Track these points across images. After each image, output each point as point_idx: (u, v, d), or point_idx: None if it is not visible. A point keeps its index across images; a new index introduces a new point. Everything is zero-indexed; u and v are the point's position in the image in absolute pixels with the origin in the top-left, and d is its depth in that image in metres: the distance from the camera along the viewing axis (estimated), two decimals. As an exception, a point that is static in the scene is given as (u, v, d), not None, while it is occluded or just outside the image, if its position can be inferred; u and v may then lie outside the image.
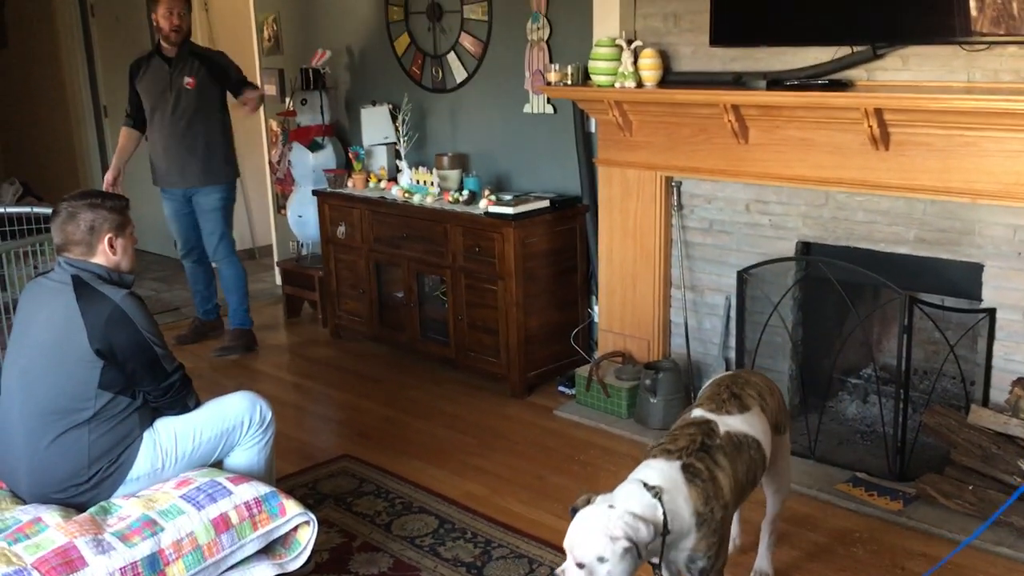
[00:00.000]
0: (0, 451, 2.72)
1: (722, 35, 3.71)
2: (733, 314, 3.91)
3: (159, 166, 4.97)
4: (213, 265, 5.24)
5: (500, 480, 3.63)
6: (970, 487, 3.15)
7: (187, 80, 4.81)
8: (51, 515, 2.48)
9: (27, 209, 4.34)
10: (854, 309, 3.68)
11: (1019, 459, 3.04)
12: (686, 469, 2.24)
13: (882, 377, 3.73)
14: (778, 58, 3.65)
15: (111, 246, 2.68)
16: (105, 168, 7.80)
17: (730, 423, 2.44)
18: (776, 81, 3.54)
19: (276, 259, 6.35)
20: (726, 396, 2.54)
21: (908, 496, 3.30)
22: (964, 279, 3.35)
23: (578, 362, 4.50)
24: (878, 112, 3.24)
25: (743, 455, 2.39)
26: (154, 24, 4.84)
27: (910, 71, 3.35)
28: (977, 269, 3.30)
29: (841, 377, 3.99)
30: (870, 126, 3.27)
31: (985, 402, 3.31)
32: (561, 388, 4.44)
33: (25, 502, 2.64)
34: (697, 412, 2.50)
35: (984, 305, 3.30)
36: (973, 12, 3.09)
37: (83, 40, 7.62)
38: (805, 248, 3.76)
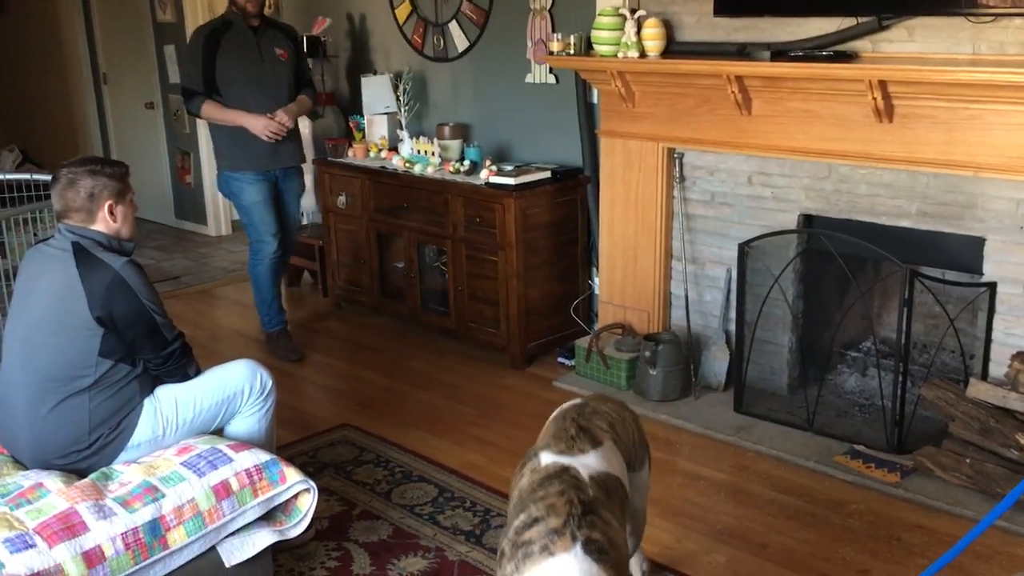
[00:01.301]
0: (1, 417, 2.73)
1: (726, 5, 3.67)
2: (734, 287, 3.90)
3: (251, 145, 4.40)
4: None
5: (499, 450, 3.64)
6: (968, 460, 3.16)
7: (279, 51, 4.45)
8: (53, 481, 2.49)
9: (26, 176, 4.31)
10: (855, 282, 3.68)
11: (1017, 432, 3.05)
12: (588, 549, 1.83)
13: (882, 350, 3.73)
14: (782, 28, 3.62)
15: (111, 213, 2.67)
16: (105, 137, 7.83)
17: (588, 463, 2.10)
18: (780, 52, 3.51)
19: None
20: (574, 432, 2.19)
21: (906, 469, 3.31)
22: (965, 253, 3.35)
23: (578, 333, 4.50)
24: (882, 84, 3.22)
25: (613, 498, 2.08)
26: None
27: (915, 43, 3.33)
28: (979, 243, 3.29)
29: (841, 350, 3.99)
30: (874, 98, 3.25)
31: (984, 376, 3.32)
32: (561, 359, 4.45)
33: (27, 468, 2.65)
34: (546, 457, 2.12)
35: (985, 279, 3.30)
36: (980, -17, 3.06)
37: (82, 6, 7.56)
38: (807, 221, 3.75)
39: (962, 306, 3.38)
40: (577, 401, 2.42)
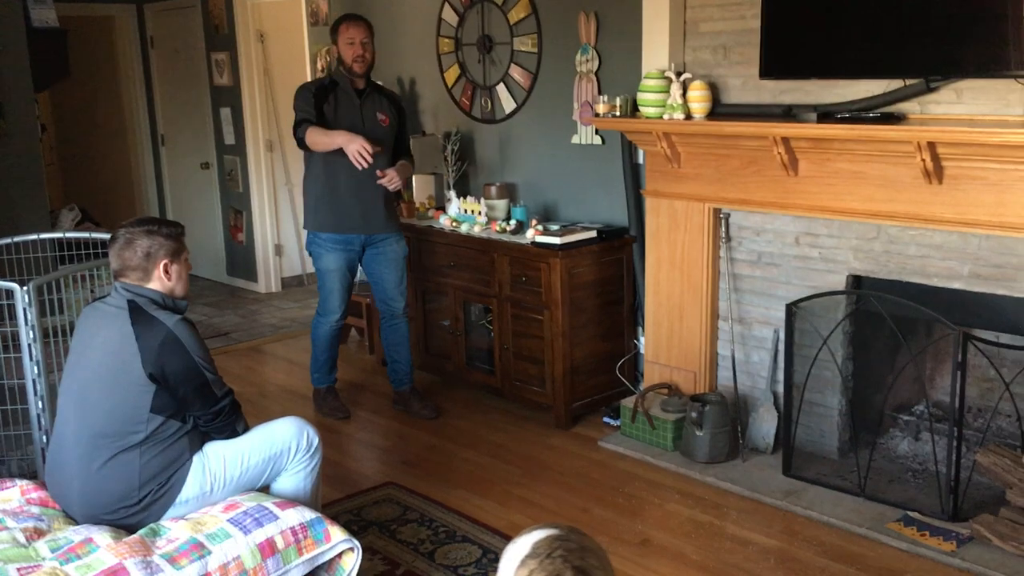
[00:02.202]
0: (54, 472, 2.77)
1: (772, 67, 3.70)
2: (781, 347, 3.86)
3: (338, 207, 4.31)
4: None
5: (544, 511, 3.61)
6: (1027, 529, 3.07)
7: (380, 116, 4.37)
8: (102, 536, 2.52)
9: (85, 235, 4.42)
10: (906, 344, 3.62)
11: (1078, 501, 2.96)
12: None
13: (935, 414, 3.65)
14: (829, 91, 3.63)
15: (166, 272, 2.74)
16: (161, 196, 8.03)
17: None
18: (827, 114, 3.52)
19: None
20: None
21: (962, 537, 3.22)
22: (1020, 315, 3.28)
23: (623, 393, 4.48)
24: (931, 146, 3.20)
25: None
26: (335, 55, 4.39)
27: (964, 104, 3.31)
28: (1034, 305, 3.23)
29: (893, 414, 3.92)
30: (923, 159, 3.23)
31: (1042, 442, 3.23)
32: (606, 419, 4.42)
33: (77, 522, 2.68)
34: None
35: (1041, 342, 3.23)
36: (1029, 45, 3.05)
37: (143, 71, 7.84)
38: (856, 282, 3.71)
39: (1018, 370, 3.30)
40: (553, 532, 1.87)
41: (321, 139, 4.21)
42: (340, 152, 4.19)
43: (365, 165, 4.13)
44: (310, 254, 4.56)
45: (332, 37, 4.38)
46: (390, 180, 4.28)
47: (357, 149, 4.09)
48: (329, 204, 4.33)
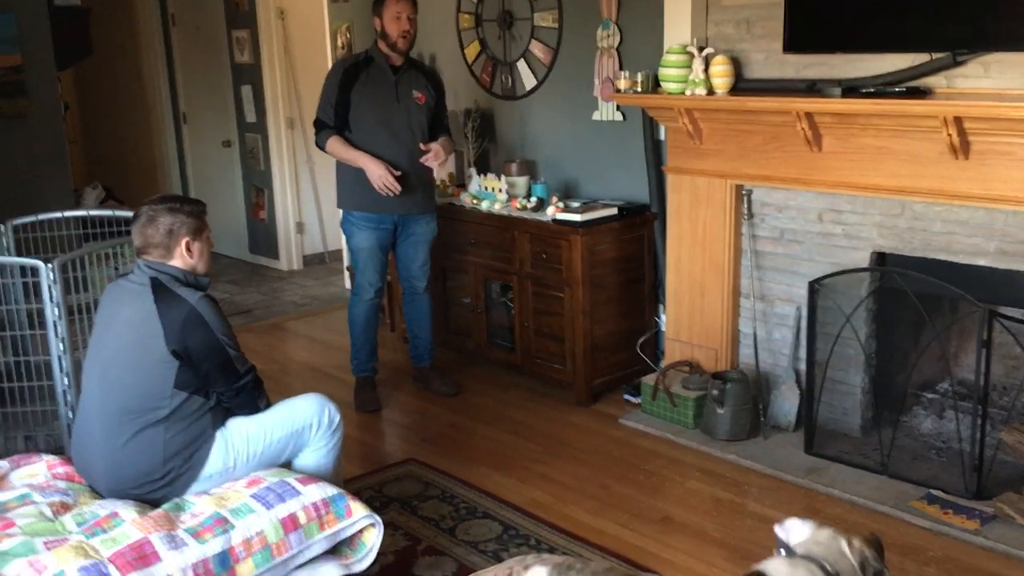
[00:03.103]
0: (79, 448, 2.81)
1: (796, 42, 3.65)
2: (804, 325, 3.84)
3: (369, 187, 4.20)
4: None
5: (565, 488, 3.62)
6: (1051, 508, 3.04)
7: (416, 94, 4.28)
8: (127, 510, 2.55)
9: (109, 212, 4.45)
10: (931, 322, 3.59)
11: (1104, 480, 2.93)
12: None
13: (959, 392, 3.63)
14: (853, 65, 3.59)
15: (188, 249, 2.75)
16: (183, 174, 8.07)
17: None
18: (851, 88, 3.47)
19: (346, 263, 6.44)
20: None
21: (986, 515, 3.20)
22: (1047, 293, 3.25)
23: (644, 371, 4.47)
24: (958, 120, 3.16)
25: None
26: (378, 29, 4.23)
27: (991, 79, 3.26)
28: (1061, 283, 3.19)
29: (916, 391, 3.89)
30: (949, 135, 3.19)
31: (1068, 420, 3.20)
32: (627, 397, 4.42)
33: (102, 497, 2.72)
34: None
35: (1068, 320, 3.19)
36: (1060, 17, 3.00)
37: (164, 49, 7.85)
38: (880, 259, 3.67)
39: (1044, 347, 3.27)
40: (558, 559, 1.96)
41: (343, 154, 4.22)
42: (369, 133, 4.18)
43: (392, 195, 4.14)
44: (343, 231, 4.52)
45: (376, 9, 4.23)
46: (436, 156, 4.22)
47: (379, 180, 4.11)
48: (364, 184, 4.21)
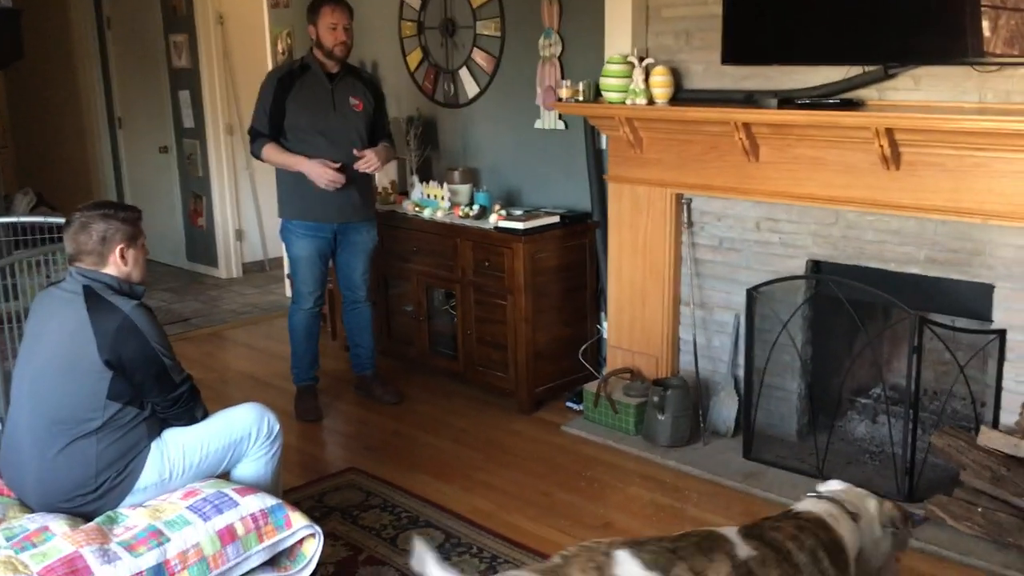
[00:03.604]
0: (8, 460, 2.73)
1: (733, 53, 3.71)
2: (742, 332, 3.90)
3: (311, 196, 4.18)
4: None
5: (507, 496, 3.62)
6: (979, 509, 3.12)
7: (353, 101, 4.24)
8: (58, 524, 2.49)
9: (40, 219, 4.34)
10: (864, 328, 3.67)
11: (1029, 482, 3.02)
12: None
13: (892, 397, 3.71)
14: (789, 76, 3.66)
15: (122, 256, 2.69)
16: (119, 180, 7.91)
17: None
18: (787, 100, 3.54)
19: (286, 271, 6.37)
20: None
21: (917, 517, 3.27)
22: (975, 300, 3.34)
23: (586, 378, 4.49)
24: (889, 132, 3.24)
25: None
26: (313, 37, 4.20)
27: (922, 91, 3.35)
28: (988, 290, 3.29)
29: (851, 397, 3.97)
30: (881, 145, 3.27)
31: (995, 424, 3.29)
32: (569, 404, 4.44)
33: (33, 511, 2.64)
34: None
35: (994, 326, 3.29)
36: (986, 33, 3.09)
37: (99, 52, 7.70)
38: (815, 267, 3.75)
39: (972, 353, 3.36)
40: (631, 540, 2.13)
41: (280, 159, 4.20)
42: (305, 141, 4.16)
43: (338, 187, 4.11)
44: (283, 240, 4.47)
45: (310, 18, 4.21)
46: (368, 162, 4.19)
47: (322, 178, 4.09)
48: (303, 191, 4.19)
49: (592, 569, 1.96)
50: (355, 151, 4.20)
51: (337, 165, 4.13)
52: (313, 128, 4.18)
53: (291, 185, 4.25)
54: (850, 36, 3.43)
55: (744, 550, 2.09)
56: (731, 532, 2.16)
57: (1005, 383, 3.28)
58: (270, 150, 4.19)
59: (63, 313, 2.64)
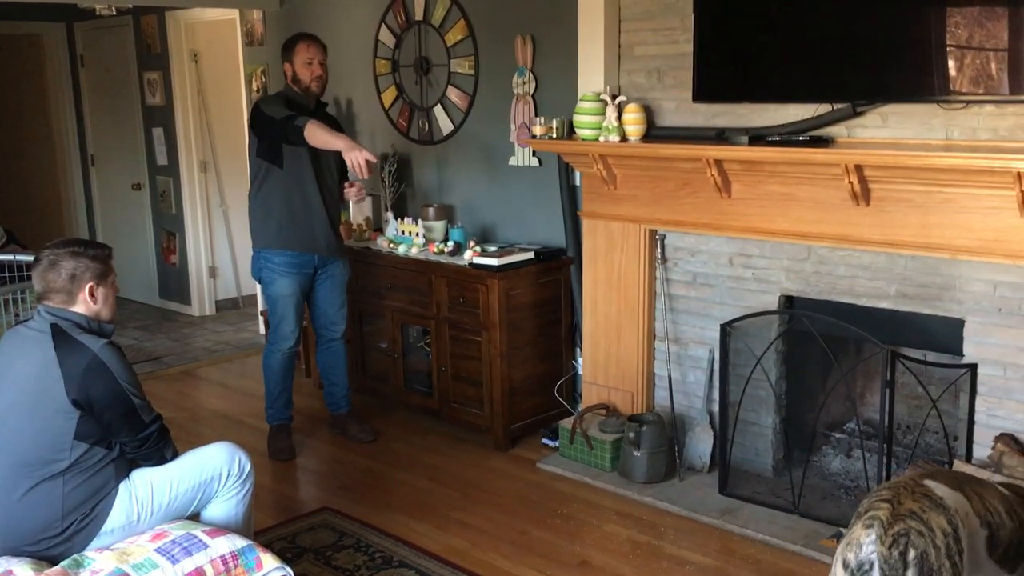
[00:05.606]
0: (-28, 502, 2.67)
1: (705, 91, 3.76)
2: (717, 367, 3.91)
3: (299, 226, 4.16)
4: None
5: (482, 534, 3.58)
6: (954, 543, 3.12)
7: None
8: (22, 568, 2.43)
9: (9, 257, 4.30)
10: (837, 363, 3.69)
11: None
12: None
13: (865, 431, 3.72)
14: (760, 114, 3.70)
15: (92, 295, 2.67)
16: (91, 217, 7.85)
17: None
18: (758, 137, 3.58)
19: (260, 308, 6.33)
20: None
21: (893, 552, 3.27)
22: (946, 334, 3.37)
23: (562, 414, 4.48)
24: (858, 168, 3.28)
25: None
26: (288, 74, 4.21)
27: (889, 128, 3.40)
28: (958, 324, 3.32)
29: (825, 431, 3.98)
30: (851, 182, 3.31)
31: (968, 457, 3.31)
32: (545, 440, 4.41)
33: (-4, 555, 2.58)
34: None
35: (966, 360, 3.31)
36: (952, 72, 3.15)
37: (72, 89, 7.67)
38: (788, 302, 3.77)
39: (944, 387, 3.38)
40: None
41: (323, 136, 3.92)
42: (305, 167, 4.12)
43: (365, 176, 3.96)
44: (259, 280, 4.38)
45: (285, 56, 4.21)
46: (360, 193, 4.31)
47: (363, 159, 3.81)
48: (290, 222, 4.14)
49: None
50: (346, 185, 4.27)
51: (375, 160, 3.97)
52: (300, 162, 4.14)
53: (266, 212, 4.19)
54: (819, 74, 3.48)
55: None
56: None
57: (977, 417, 3.30)
58: (315, 125, 3.93)
59: (30, 352, 2.60)
